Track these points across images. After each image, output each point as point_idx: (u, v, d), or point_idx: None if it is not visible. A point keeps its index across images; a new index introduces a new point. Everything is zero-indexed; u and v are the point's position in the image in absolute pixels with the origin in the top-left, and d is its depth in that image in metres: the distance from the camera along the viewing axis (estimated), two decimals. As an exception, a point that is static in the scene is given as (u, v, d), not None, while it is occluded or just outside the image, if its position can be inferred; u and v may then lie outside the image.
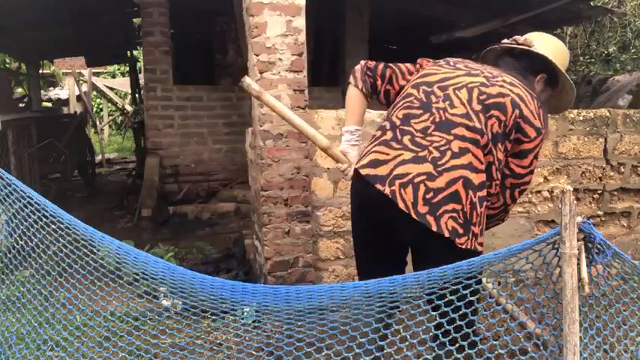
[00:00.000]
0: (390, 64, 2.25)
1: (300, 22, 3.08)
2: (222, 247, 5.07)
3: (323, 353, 2.00)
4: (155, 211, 5.25)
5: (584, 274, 1.71)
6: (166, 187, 6.28)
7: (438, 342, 1.90)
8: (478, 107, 1.95)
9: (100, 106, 16.97)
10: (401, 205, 1.86)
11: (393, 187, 1.88)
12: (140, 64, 9.81)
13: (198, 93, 6.44)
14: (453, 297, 1.80)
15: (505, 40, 2.23)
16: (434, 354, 1.93)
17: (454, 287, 1.80)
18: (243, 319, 3.00)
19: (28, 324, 2.30)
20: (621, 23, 8.98)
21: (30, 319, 2.31)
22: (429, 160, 1.89)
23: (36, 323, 2.29)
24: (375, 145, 2.03)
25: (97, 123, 14.55)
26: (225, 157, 6.57)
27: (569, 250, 1.72)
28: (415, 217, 1.85)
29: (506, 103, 1.96)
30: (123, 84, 14.68)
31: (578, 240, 1.73)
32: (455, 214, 1.85)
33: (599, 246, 1.76)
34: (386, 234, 2.04)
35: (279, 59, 3.06)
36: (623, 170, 3.74)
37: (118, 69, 17.28)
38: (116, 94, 15.69)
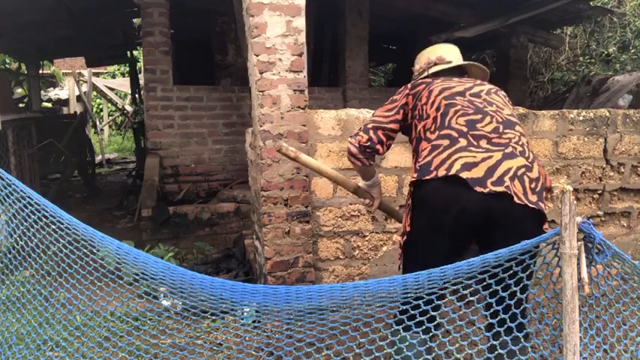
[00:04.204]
0: (376, 124, 2.33)
1: (300, 22, 3.08)
2: (222, 247, 5.07)
3: (323, 353, 2.00)
4: (155, 211, 5.24)
5: (584, 274, 1.71)
6: (166, 187, 6.28)
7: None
8: (511, 106, 2.23)
9: (100, 107, 16.99)
10: (516, 199, 1.94)
11: (506, 185, 1.94)
12: (140, 65, 9.81)
13: (198, 93, 6.43)
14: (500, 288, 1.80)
15: (422, 65, 2.52)
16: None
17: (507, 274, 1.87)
18: (243, 319, 3.00)
19: (28, 324, 2.30)
20: (621, 23, 8.98)
21: (30, 319, 2.31)
22: (519, 154, 2.03)
23: (36, 323, 2.30)
24: (453, 153, 2.03)
25: (97, 123, 14.55)
26: (225, 157, 6.57)
27: (569, 250, 1.72)
28: (533, 206, 1.95)
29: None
30: (123, 84, 14.68)
31: (578, 240, 1.73)
32: (543, 199, 2.05)
33: (599, 246, 1.76)
34: (465, 233, 2.05)
35: (279, 59, 3.06)
36: (623, 170, 3.73)
37: (118, 69, 17.30)
38: (116, 94, 15.69)
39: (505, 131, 2.07)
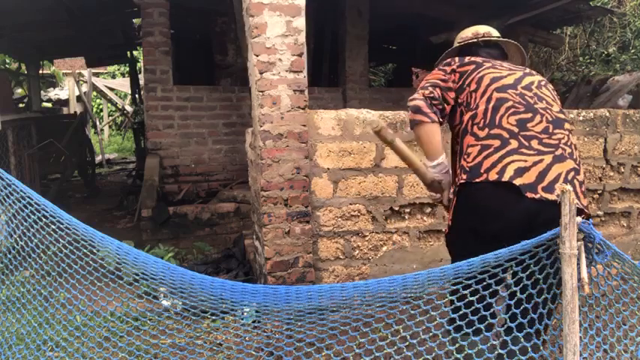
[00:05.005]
0: (433, 83, 2.23)
1: (300, 22, 3.08)
2: (222, 247, 5.07)
3: (323, 353, 2.00)
4: (155, 212, 5.25)
5: (584, 274, 1.71)
6: (166, 188, 6.28)
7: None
8: (559, 101, 2.20)
9: (100, 107, 16.99)
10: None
11: (557, 193, 1.92)
12: (140, 65, 9.81)
13: (198, 93, 6.44)
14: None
15: (468, 35, 2.49)
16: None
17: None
18: (243, 319, 3.00)
19: (28, 324, 2.30)
20: (621, 23, 8.99)
21: (30, 319, 2.31)
22: (568, 156, 2.04)
23: (36, 323, 2.30)
24: (505, 155, 2.01)
25: (97, 123, 14.55)
26: (225, 157, 6.57)
27: (569, 250, 1.72)
28: (584, 210, 1.98)
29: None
30: (123, 84, 14.68)
31: (578, 240, 1.73)
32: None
33: (599, 246, 1.76)
34: (507, 237, 2.01)
35: (279, 59, 3.06)
36: (623, 170, 3.73)
37: (118, 69, 17.30)
38: (116, 94, 15.69)
39: (555, 131, 2.06)
